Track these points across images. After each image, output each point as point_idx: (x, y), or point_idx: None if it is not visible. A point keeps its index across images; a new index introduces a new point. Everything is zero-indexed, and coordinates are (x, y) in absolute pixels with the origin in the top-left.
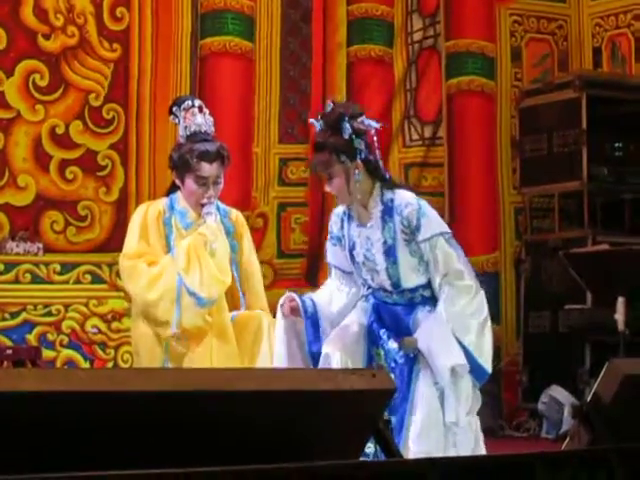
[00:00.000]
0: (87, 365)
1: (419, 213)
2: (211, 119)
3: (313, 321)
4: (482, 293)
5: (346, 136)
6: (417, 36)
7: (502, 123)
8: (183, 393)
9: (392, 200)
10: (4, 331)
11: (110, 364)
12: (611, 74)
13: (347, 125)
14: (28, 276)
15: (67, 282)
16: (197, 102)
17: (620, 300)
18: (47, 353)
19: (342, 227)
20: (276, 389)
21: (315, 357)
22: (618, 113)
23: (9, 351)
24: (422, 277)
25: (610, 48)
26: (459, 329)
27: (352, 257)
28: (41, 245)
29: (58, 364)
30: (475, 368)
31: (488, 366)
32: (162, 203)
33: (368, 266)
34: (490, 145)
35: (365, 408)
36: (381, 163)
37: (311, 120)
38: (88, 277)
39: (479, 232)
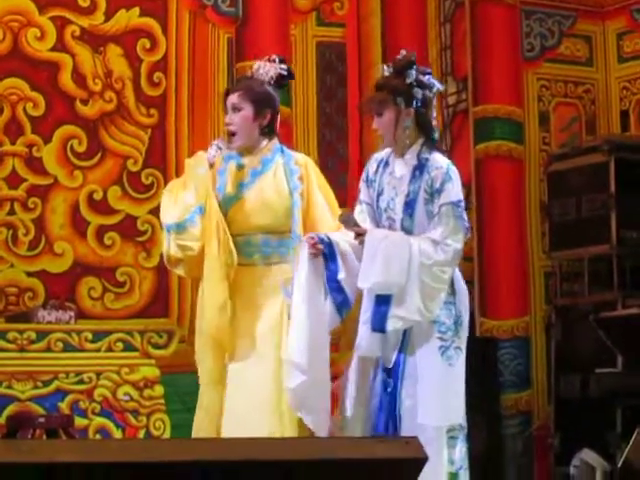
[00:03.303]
0: (119, 433)
1: (445, 177)
2: (265, 65)
3: (330, 254)
4: (456, 266)
5: (408, 81)
6: (451, 100)
7: (531, 187)
8: (215, 463)
9: (427, 159)
10: (36, 399)
11: (142, 432)
12: (639, 137)
13: (412, 72)
14: (60, 344)
15: (99, 350)
16: (275, 56)
17: None
18: (79, 421)
19: (376, 172)
20: (309, 458)
21: (334, 288)
22: None
23: (41, 420)
24: None
25: (637, 111)
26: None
27: (378, 203)
28: (73, 313)
29: (90, 432)
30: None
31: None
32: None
33: (388, 214)
34: (519, 209)
35: (397, 477)
36: (435, 125)
37: (382, 65)
38: (120, 345)
39: (509, 296)
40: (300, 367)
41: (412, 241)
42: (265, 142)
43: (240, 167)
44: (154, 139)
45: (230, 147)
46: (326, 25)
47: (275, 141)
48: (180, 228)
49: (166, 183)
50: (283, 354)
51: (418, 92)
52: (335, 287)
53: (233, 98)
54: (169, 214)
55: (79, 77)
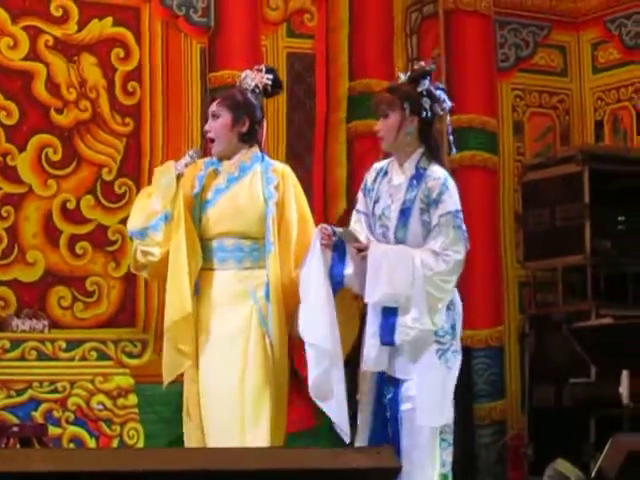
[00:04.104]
0: (93, 442)
1: (442, 188)
2: (252, 75)
3: (340, 247)
4: (458, 276)
5: (419, 89)
6: None
7: (505, 197)
8: (189, 472)
9: (425, 169)
10: (10, 408)
11: (116, 440)
12: (613, 148)
13: (425, 82)
14: (34, 353)
15: (73, 359)
16: (263, 66)
17: (624, 373)
18: (53, 430)
19: (375, 180)
20: (283, 468)
21: (336, 282)
22: (620, 187)
23: (15, 429)
24: None
25: (612, 122)
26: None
27: (373, 210)
28: (47, 322)
29: (64, 441)
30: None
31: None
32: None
33: (382, 221)
34: (493, 219)
35: None
36: (450, 141)
37: (399, 73)
38: (94, 354)
39: (483, 306)
40: (327, 352)
41: (414, 253)
42: (245, 149)
43: (216, 172)
44: (129, 148)
45: (212, 154)
46: (296, 36)
47: (255, 149)
48: (142, 235)
49: (138, 193)
50: (305, 338)
51: (426, 102)
52: (337, 281)
53: (213, 106)
54: (134, 221)
55: (53, 86)
